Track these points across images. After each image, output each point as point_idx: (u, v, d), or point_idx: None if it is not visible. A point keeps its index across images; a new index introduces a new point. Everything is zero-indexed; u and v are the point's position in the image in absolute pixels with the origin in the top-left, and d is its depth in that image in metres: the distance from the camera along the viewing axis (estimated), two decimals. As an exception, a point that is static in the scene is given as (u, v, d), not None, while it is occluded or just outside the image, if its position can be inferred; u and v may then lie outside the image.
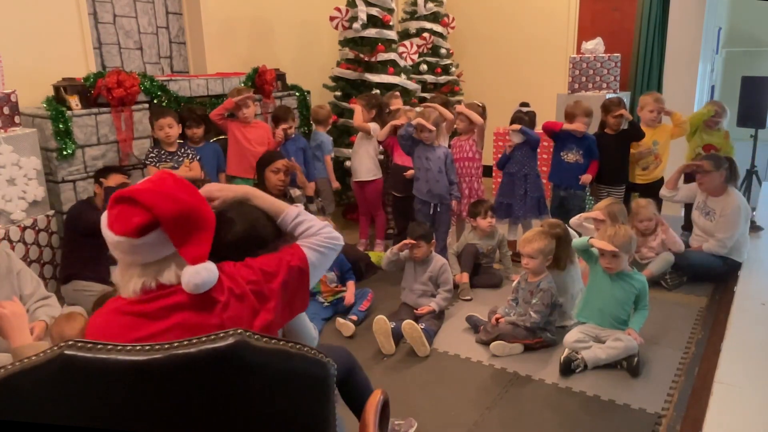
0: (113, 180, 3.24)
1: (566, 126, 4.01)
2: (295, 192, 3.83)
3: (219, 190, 1.44)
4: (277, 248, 1.41)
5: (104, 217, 1.20)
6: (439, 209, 3.78)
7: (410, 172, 3.92)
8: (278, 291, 1.31)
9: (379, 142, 4.19)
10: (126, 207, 1.17)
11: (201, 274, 1.18)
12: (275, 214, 1.46)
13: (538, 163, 4.15)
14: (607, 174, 4.14)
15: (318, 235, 1.44)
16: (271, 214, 1.46)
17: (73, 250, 3.22)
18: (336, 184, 4.51)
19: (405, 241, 3.22)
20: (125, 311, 1.20)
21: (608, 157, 4.09)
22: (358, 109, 4.21)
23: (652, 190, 4.12)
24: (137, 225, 1.15)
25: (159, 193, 1.18)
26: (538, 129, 4.26)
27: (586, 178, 4.04)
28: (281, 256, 1.36)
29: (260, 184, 3.56)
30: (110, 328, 1.19)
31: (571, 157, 4.07)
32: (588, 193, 4.33)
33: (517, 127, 3.94)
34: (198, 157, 3.80)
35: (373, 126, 4.16)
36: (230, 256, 1.31)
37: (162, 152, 3.66)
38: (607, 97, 4.42)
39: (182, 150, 3.74)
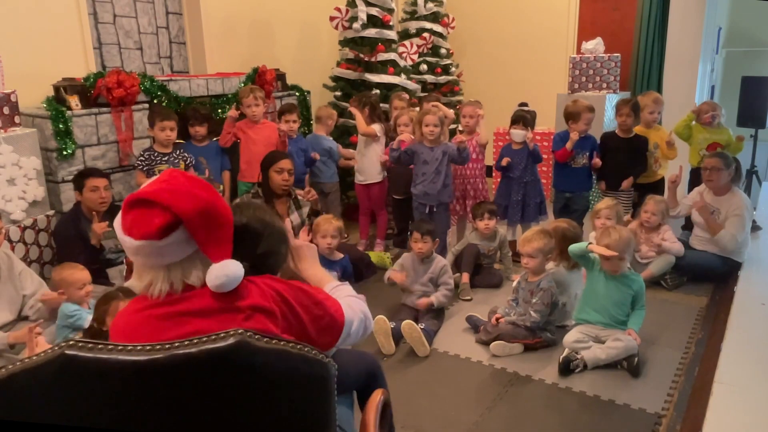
0: (92, 183, 3.24)
1: (573, 138, 3.91)
2: (300, 193, 3.81)
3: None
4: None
5: (118, 225, 1.16)
6: (435, 209, 3.77)
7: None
8: (308, 325, 1.28)
9: (383, 163, 4.19)
10: (142, 210, 1.12)
11: (225, 270, 1.15)
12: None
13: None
14: (614, 179, 4.07)
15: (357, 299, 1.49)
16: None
17: (67, 258, 3.21)
18: None
19: (394, 276, 3.26)
20: (151, 314, 1.17)
21: (617, 162, 4.01)
22: (358, 116, 4.21)
23: (653, 190, 4.10)
24: (159, 226, 1.10)
25: (175, 191, 1.13)
26: (538, 128, 4.23)
27: (596, 162, 4.01)
28: (326, 298, 1.36)
29: (264, 183, 3.55)
30: (137, 332, 1.16)
31: (578, 162, 4.04)
32: (593, 194, 4.28)
33: (528, 135, 3.88)
34: (193, 161, 3.79)
35: (377, 128, 4.16)
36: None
37: (155, 154, 3.62)
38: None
39: (177, 152, 3.71)
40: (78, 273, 2.62)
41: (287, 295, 1.24)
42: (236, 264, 1.16)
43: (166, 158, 3.64)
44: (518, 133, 3.93)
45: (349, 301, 1.43)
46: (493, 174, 5.84)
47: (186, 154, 3.76)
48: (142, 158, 3.60)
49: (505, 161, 3.99)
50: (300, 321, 1.24)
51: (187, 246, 1.16)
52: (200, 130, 3.95)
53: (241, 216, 1.33)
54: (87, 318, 2.52)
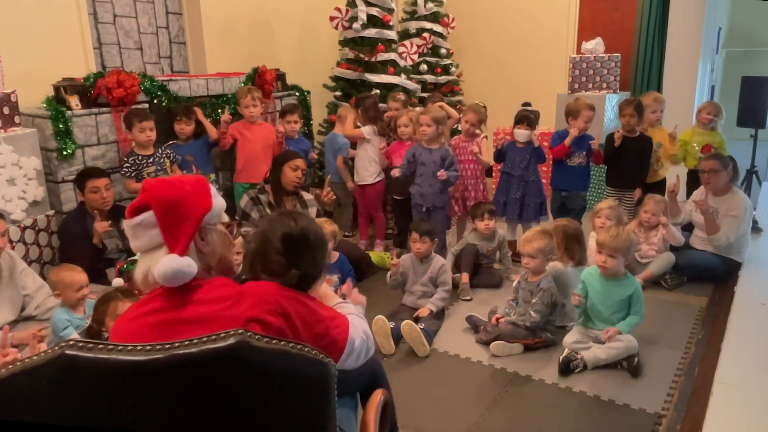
0: (93, 184, 3.25)
1: (572, 134, 3.91)
2: (308, 195, 3.80)
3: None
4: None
5: None
6: (432, 210, 3.77)
7: (395, 171, 3.86)
8: (306, 342, 1.24)
9: (387, 168, 4.19)
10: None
11: (169, 264, 1.17)
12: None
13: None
14: (619, 178, 4.07)
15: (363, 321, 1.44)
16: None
17: (70, 259, 3.21)
18: (350, 184, 4.41)
19: (394, 264, 3.23)
20: (148, 322, 1.20)
21: (622, 161, 4.01)
22: (348, 118, 4.21)
23: (654, 190, 4.10)
24: (131, 205, 1.23)
25: (164, 181, 1.24)
26: (541, 128, 4.23)
27: (597, 152, 4.01)
28: (332, 317, 1.32)
29: (275, 179, 3.53)
30: (135, 340, 1.14)
31: (574, 160, 4.05)
32: (592, 195, 4.28)
33: (535, 134, 3.90)
34: (180, 159, 3.78)
35: (366, 130, 4.15)
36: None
37: (139, 158, 3.58)
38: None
39: (160, 151, 3.69)
40: (76, 275, 2.58)
41: (290, 309, 1.22)
42: (179, 260, 1.18)
43: (150, 160, 3.61)
44: (522, 133, 3.91)
45: (354, 319, 1.40)
46: (494, 174, 5.86)
47: (169, 151, 3.74)
48: (127, 165, 3.57)
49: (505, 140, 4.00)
50: (298, 337, 1.22)
51: (156, 233, 1.21)
52: (185, 128, 3.91)
53: (300, 223, 1.40)
54: (74, 333, 2.49)
